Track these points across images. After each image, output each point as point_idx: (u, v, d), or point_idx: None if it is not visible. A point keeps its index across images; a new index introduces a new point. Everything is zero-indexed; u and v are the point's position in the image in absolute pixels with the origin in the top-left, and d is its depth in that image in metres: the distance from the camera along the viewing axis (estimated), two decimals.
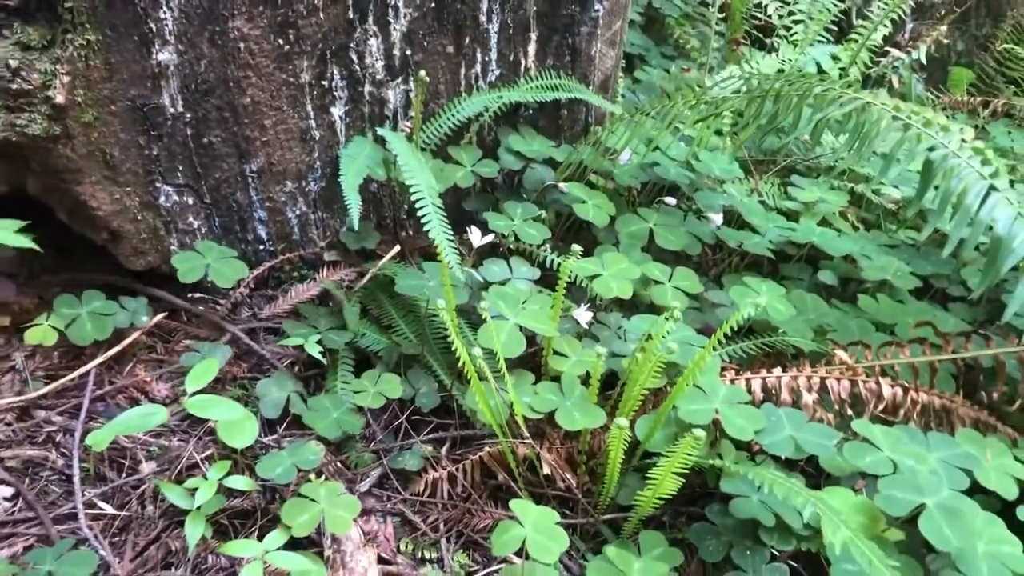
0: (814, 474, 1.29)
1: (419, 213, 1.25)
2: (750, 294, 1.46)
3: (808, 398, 1.31)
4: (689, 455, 1.03)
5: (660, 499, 1.11)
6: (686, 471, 1.05)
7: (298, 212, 1.57)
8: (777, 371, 1.35)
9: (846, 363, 1.35)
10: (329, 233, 1.64)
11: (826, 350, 1.44)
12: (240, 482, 1.20)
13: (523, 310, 1.33)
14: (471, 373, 1.18)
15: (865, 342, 1.45)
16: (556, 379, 1.31)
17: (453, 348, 1.35)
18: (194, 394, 1.17)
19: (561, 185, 1.65)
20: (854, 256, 1.80)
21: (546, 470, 1.31)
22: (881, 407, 1.33)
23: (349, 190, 1.36)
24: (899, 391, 1.34)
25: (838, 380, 1.33)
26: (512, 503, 1.10)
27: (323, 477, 1.27)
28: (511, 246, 1.59)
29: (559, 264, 1.53)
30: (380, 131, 1.45)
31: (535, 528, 1.07)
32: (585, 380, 1.30)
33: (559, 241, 1.67)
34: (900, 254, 1.88)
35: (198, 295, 1.53)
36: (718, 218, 1.77)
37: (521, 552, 1.08)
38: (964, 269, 1.86)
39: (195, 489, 1.17)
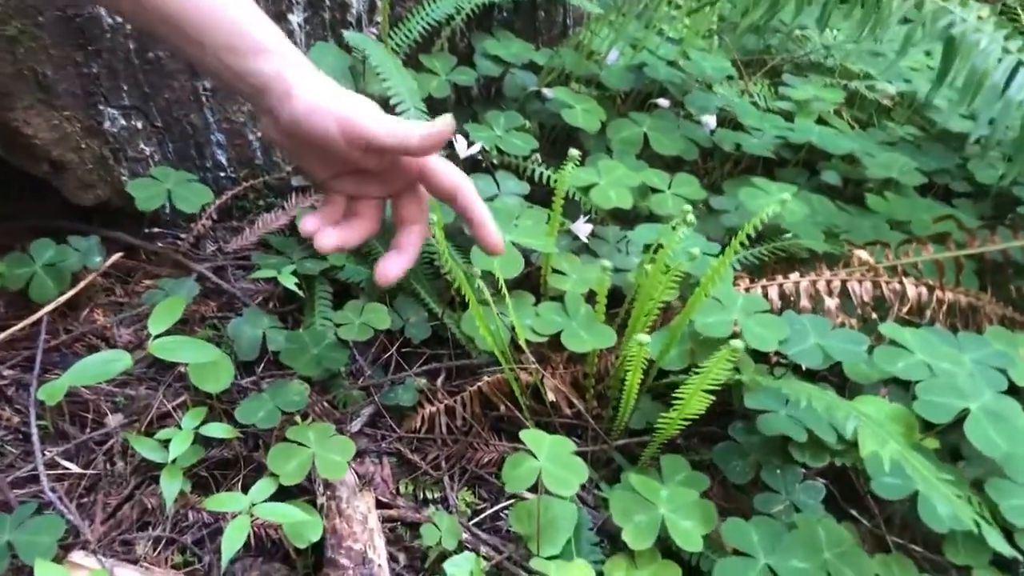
0: (836, 384, 1.20)
1: (398, 112, 1.12)
2: (760, 195, 1.36)
3: (830, 303, 1.21)
4: (723, 370, 0.92)
5: (685, 421, 1.01)
6: (717, 387, 0.95)
7: (260, 133, 1.43)
8: (794, 276, 1.25)
9: (867, 263, 1.25)
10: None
11: (842, 251, 1.34)
12: (219, 430, 1.08)
13: (516, 227, 1.21)
14: (469, 296, 1.07)
15: (883, 241, 1.35)
16: (557, 299, 1.20)
17: (444, 272, 1.24)
18: (159, 336, 1.04)
19: (545, 91, 1.52)
20: (856, 155, 1.70)
21: (551, 396, 1.21)
22: (906, 309, 1.24)
23: None
24: (923, 290, 1.25)
25: (859, 282, 1.24)
26: (523, 434, 1.00)
27: (310, 419, 1.16)
28: (494, 160, 1.46)
29: (549, 176, 1.41)
30: (347, 35, 1.30)
31: (550, 459, 0.97)
32: (589, 299, 1.19)
33: (544, 155, 1.55)
34: (901, 151, 1.78)
35: (156, 230, 1.39)
36: (711, 121, 1.65)
37: (535, 487, 0.98)
38: (971, 163, 1.77)
39: (168, 440, 1.06)
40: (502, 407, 1.23)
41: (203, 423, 1.09)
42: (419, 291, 1.31)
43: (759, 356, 1.18)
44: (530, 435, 1.00)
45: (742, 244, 1.02)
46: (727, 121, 1.73)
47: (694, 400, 0.96)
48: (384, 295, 1.30)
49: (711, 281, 1.05)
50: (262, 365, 1.24)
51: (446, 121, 0.79)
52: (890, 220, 1.46)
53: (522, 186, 1.38)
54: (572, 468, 0.97)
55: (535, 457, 0.98)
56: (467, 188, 0.87)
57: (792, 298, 1.23)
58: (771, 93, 1.98)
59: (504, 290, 1.08)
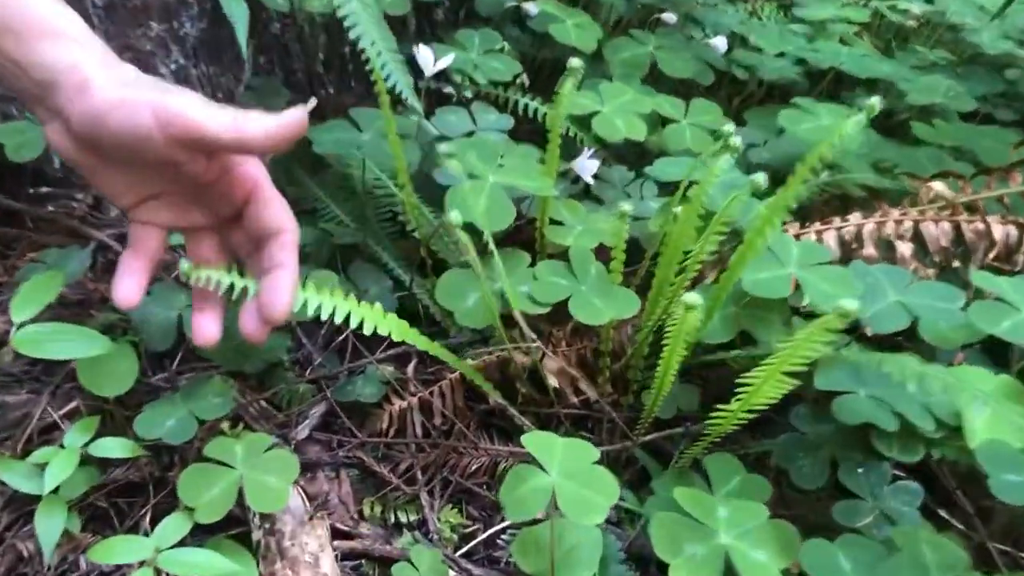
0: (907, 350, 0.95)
1: (350, 31, 0.83)
2: (806, 119, 1.09)
3: (903, 248, 0.95)
4: (818, 344, 0.66)
5: (749, 412, 0.75)
6: (803, 367, 0.69)
7: (173, 66, 1.14)
8: (854, 218, 0.99)
9: (943, 198, 1.00)
10: (220, 94, 1.21)
11: (903, 187, 1.08)
12: (115, 447, 0.81)
13: (501, 167, 0.94)
14: (470, 251, 0.79)
15: (954, 173, 1.10)
16: (558, 257, 0.93)
17: (411, 228, 0.97)
18: (24, 325, 0.77)
19: (527, 5, 1.24)
20: (892, 79, 1.44)
21: (554, 382, 0.95)
22: (992, 254, 0.98)
23: (241, 29, 0.94)
24: (1012, 230, 0.99)
25: (935, 223, 0.98)
26: (527, 439, 0.73)
27: (241, 426, 0.89)
28: (466, 92, 1.18)
29: (536, 109, 1.13)
30: None
31: (566, 472, 0.71)
32: (600, 256, 0.92)
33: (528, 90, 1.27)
34: (939, 75, 1.53)
35: (44, 190, 1.10)
36: (721, 43, 1.38)
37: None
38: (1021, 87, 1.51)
39: (46, 464, 0.78)
40: (491, 399, 0.97)
41: (94, 438, 0.81)
42: (379, 254, 1.04)
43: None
44: (536, 440, 0.73)
45: (776, 182, 0.77)
46: (737, 43, 1.46)
47: (769, 385, 0.70)
48: (335, 260, 1.03)
49: (768, 225, 0.79)
50: (179, 357, 0.96)
51: (297, 113, 0.64)
52: (952, 149, 1.20)
53: (504, 120, 1.11)
54: (597, 483, 0.70)
55: (544, 470, 0.71)
56: (293, 237, 0.72)
57: (853, 245, 0.97)
58: (781, 16, 1.71)
59: (492, 247, 0.81)
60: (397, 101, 0.87)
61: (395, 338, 0.76)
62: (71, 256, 0.97)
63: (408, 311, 1.03)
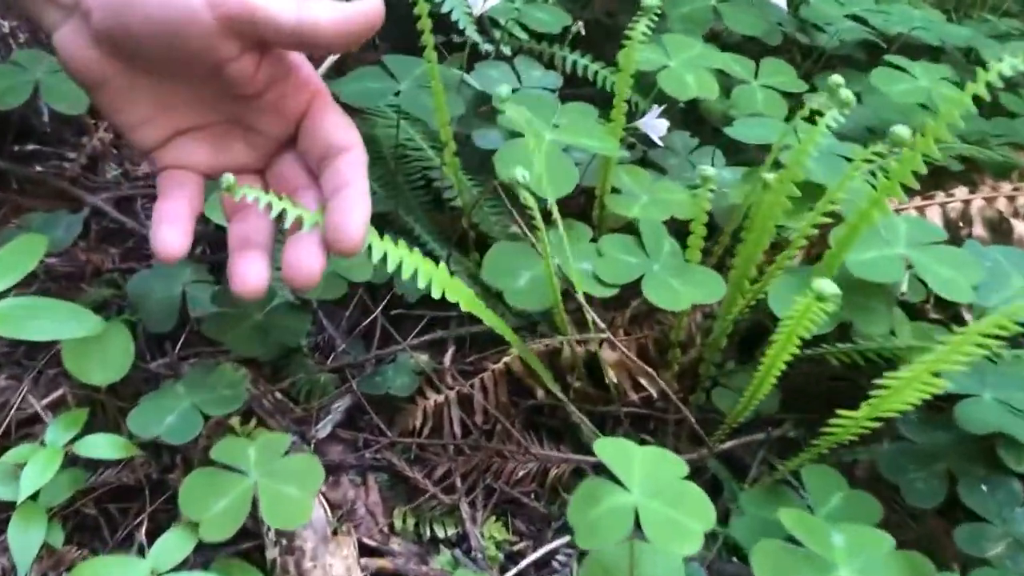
0: None
1: None
2: (903, 80, 0.96)
3: (1022, 229, 0.82)
4: (988, 336, 0.53)
5: (875, 420, 0.62)
6: (961, 365, 0.56)
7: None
8: (960, 192, 0.86)
9: None
10: None
11: (1006, 159, 0.95)
12: (106, 445, 0.68)
13: (557, 126, 0.81)
14: (535, 216, 0.66)
15: None
16: (620, 231, 0.81)
17: (450, 199, 0.84)
18: (1, 298, 0.64)
19: None
20: (973, 46, 1.30)
21: (611, 375, 0.82)
22: None
23: None
24: None
25: None
26: (600, 446, 0.61)
27: (253, 422, 0.76)
28: (504, 46, 1.05)
29: (587, 66, 1.00)
30: None
31: (650, 488, 0.58)
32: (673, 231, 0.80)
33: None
34: (1017, 43, 1.39)
35: (31, 147, 0.98)
36: (782, 2, 1.24)
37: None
38: None
39: (23, 464, 0.66)
40: (539, 392, 0.84)
41: (82, 434, 0.69)
42: (412, 225, 0.91)
43: (905, 308, 0.80)
44: (611, 448, 0.60)
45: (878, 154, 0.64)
46: (794, 6, 1.32)
47: (911, 389, 0.57)
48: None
49: (885, 196, 0.66)
50: (182, 339, 0.83)
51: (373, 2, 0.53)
52: None
53: (551, 77, 0.97)
54: (689, 504, 0.57)
55: (623, 486, 0.58)
56: (361, 156, 0.59)
57: (961, 224, 0.84)
58: None
59: (556, 216, 0.67)
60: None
61: (464, 308, 0.63)
62: (59, 221, 0.85)
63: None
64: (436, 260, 0.88)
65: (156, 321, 0.81)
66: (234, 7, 0.50)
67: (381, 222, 0.91)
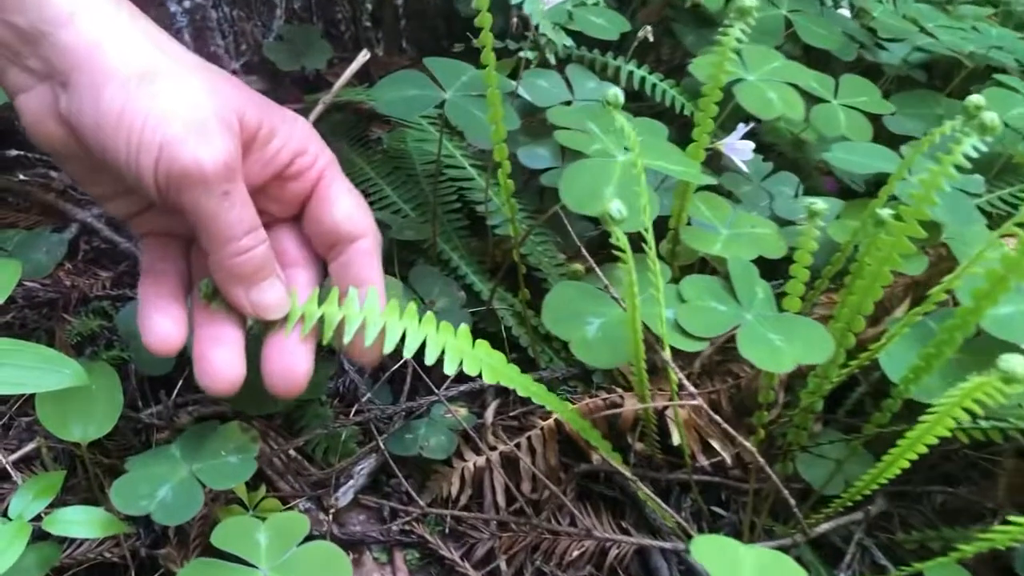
0: None
1: None
2: (1017, 103, 0.84)
3: None
4: None
5: None
6: None
7: (187, 3, 0.89)
8: None
9: None
10: (246, 47, 0.96)
11: None
12: (83, 521, 0.56)
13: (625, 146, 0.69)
14: (626, 256, 0.54)
15: None
16: (700, 270, 0.69)
17: (495, 225, 0.73)
18: None
19: None
20: None
21: (678, 437, 0.70)
22: None
23: None
24: None
25: None
26: (699, 546, 0.48)
27: (263, 488, 0.64)
28: (551, 52, 0.93)
29: (644, 78, 0.89)
30: None
31: None
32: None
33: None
34: None
35: (15, 153, 0.86)
36: (847, 15, 1.13)
37: None
38: None
39: None
40: (595, 455, 0.72)
41: (57, 502, 0.57)
42: (448, 255, 0.79)
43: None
44: (712, 549, 0.48)
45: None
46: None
47: None
48: (391, 259, 0.78)
49: None
50: (179, 384, 0.71)
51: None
52: None
53: (609, 88, 0.85)
54: None
55: None
56: (372, 244, 0.57)
57: None
58: None
59: (653, 256, 0.55)
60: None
61: (489, 379, 0.52)
62: (39, 241, 0.73)
63: (484, 332, 0.78)
64: (477, 296, 0.78)
65: (150, 361, 0.69)
66: (181, 204, 0.48)
67: (414, 251, 0.79)
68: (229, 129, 0.49)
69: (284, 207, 0.56)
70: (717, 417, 0.63)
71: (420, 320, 0.53)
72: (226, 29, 0.94)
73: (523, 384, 0.56)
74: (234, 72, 0.95)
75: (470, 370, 0.53)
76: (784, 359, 0.59)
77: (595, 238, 0.86)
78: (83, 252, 0.81)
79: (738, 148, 0.71)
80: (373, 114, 0.94)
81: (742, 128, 0.72)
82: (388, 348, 0.52)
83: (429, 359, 0.52)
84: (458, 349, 0.53)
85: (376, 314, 0.53)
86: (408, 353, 0.52)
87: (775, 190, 0.84)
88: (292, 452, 0.68)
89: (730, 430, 0.63)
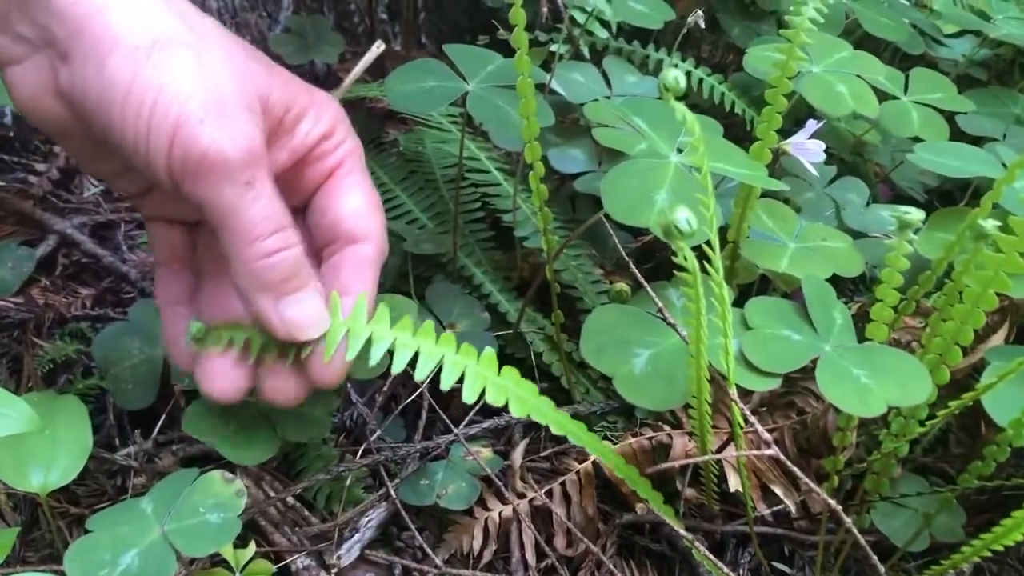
0: None
1: None
2: None
3: None
4: None
5: None
6: None
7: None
8: None
9: None
10: (250, 39, 0.88)
11: None
12: None
13: (680, 148, 0.59)
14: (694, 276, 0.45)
15: None
16: (760, 291, 0.59)
17: (523, 236, 0.64)
18: None
19: None
20: None
21: (734, 482, 0.60)
22: None
23: None
24: None
25: None
26: None
27: (252, 546, 0.54)
28: (583, 48, 0.84)
29: (689, 71, 0.80)
30: None
31: None
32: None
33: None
34: None
35: None
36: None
37: None
38: None
39: None
40: (639, 504, 0.62)
41: (8, 563, 0.48)
42: (471, 270, 0.70)
43: None
44: None
45: None
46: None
47: None
48: (406, 276, 0.68)
49: None
50: (162, 420, 0.62)
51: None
52: None
53: (650, 84, 0.76)
54: None
55: None
56: (375, 252, 0.48)
57: None
58: None
59: (719, 273, 0.45)
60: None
61: (517, 414, 0.43)
62: (5, 255, 0.64)
63: (510, 359, 0.69)
64: (503, 317, 0.68)
65: (129, 393, 0.60)
66: (194, 194, 0.41)
67: (432, 267, 0.70)
68: (252, 111, 0.42)
69: (294, 195, 0.48)
70: (788, 463, 0.53)
71: (437, 339, 0.44)
72: (227, 20, 0.85)
73: (557, 421, 0.46)
74: None
75: (494, 400, 0.44)
76: (873, 400, 0.49)
77: (634, 252, 0.77)
78: (61, 267, 0.73)
79: (807, 148, 0.61)
80: (388, 113, 0.86)
81: (811, 125, 0.62)
82: (396, 368, 0.43)
83: (445, 384, 0.43)
84: (480, 375, 0.44)
85: (361, 325, 0.44)
86: (420, 375, 0.43)
87: (841, 198, 0.74)
88: (290, 500, 0.59)
89: (802, 476, 0.53)
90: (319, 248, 0.49)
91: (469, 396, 0.44)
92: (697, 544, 0.57)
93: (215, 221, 0.42)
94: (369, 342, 0.44)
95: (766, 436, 0.47)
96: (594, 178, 0.72)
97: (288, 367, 0.46)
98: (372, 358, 0.44)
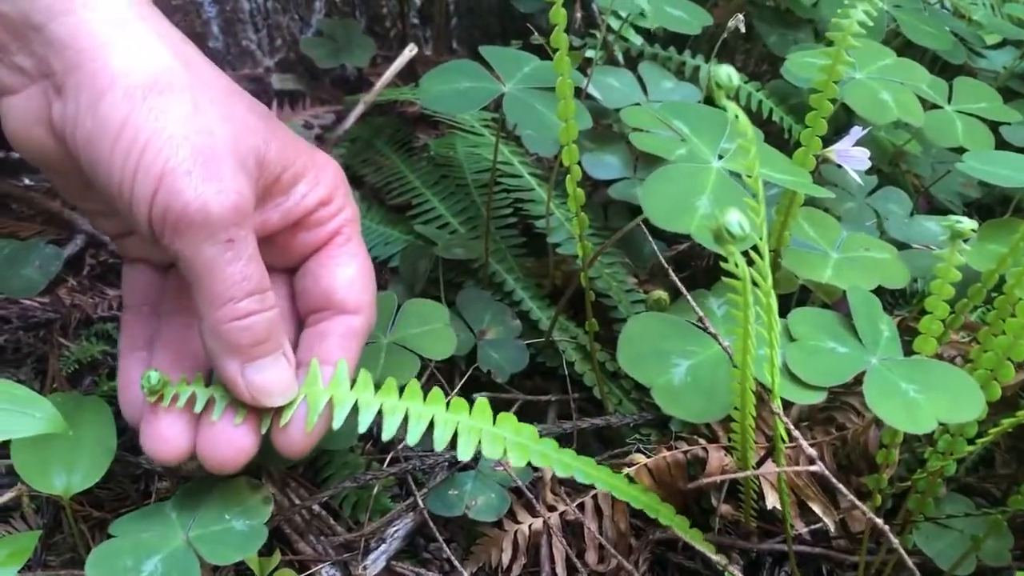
0: None
1: None
2: None
3: None
4: None
5: None
6: None
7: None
8: None
9: None
10: (281, 42, 0.87)
11: None
12: None
13: (722, 153, 0.58)
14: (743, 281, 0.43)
15: None
16: (799, 302, 0.57)
17: (557, 243, 0.63)
18: None
19: None
20: None
21: (772, 499, 0.58)
22: None
23: None
24: None
25: None
26: None
27: (276, 555, 0.53)
28: (617, 53, 0.83)
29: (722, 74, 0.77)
30: None
31: None
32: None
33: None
34: None
35: (14, 155, 0.77)
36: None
37: None
38: None
39: None
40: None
41: (31, 568, 0.47)
42: (502, 276, 0.68)
43: None
44: None
45: None
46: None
47: None
48: (436, 281, 0.67)
49: None
50: None
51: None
52: None
53: (687, 90, 0.75)
54: None
55: None
56: (364, 326, 0.48)
57: None
58: None
59: (766, 273, 0.43)
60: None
61: (562, 473, 0.42)
62: (31, 254, 0.63)
63: (542, 368, 0.67)
64: (535, 325, 0.67)
65: None
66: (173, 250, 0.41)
67: (462, 272, 0.69)
68: (245, 166, 0.41)
69: (285, 257, 0.48)
70: (832, 479, 0.51)
71: (425, 397, 0.44)
72: (259, 22, 0.85)
73: (562, 463, 0.47)
74: (267, 70, 0.85)
75: (491, 454, 0.45)
76: (922, 416, 0.47)
77: (669, 260, 0.75)
78: (88, 267, 0.72)
79: (852, 156, 0.59)
80: (419, 117, 0.85)
81: (856, 132, 0.60)
82: (386, 435, 0.44)
83: (439, 445, 0.44)
84: (474, 429, 0.44)
85: (345, 392, 0.45)
86: (412, 440, 0.44)
87: (883, 208, 0.72)
88: (315, 509, 0.57)
89: (847, 493, 0.51)
90: (305, 313, 0.48)
91: (464, 453, 0.44)
92: (732, 569, 0.55)
93: (190, 276, 0.41)
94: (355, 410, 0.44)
95: (810, 451, 0.45)
96: (629, 185, 0.71)
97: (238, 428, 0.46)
98: (361, 424, 0.44)
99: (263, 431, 0.45)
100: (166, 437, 0.44)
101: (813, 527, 0.62)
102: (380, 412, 0.44)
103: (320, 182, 0.46)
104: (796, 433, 0.48)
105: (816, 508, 0.62)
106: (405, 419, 0.45)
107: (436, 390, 0.45)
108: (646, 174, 0.71)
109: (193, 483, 0.50)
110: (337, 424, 0.44)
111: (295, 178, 0.45)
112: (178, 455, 0.45)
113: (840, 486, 0.50)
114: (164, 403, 0.45)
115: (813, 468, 0.45)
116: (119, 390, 0.49)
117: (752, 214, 0.38)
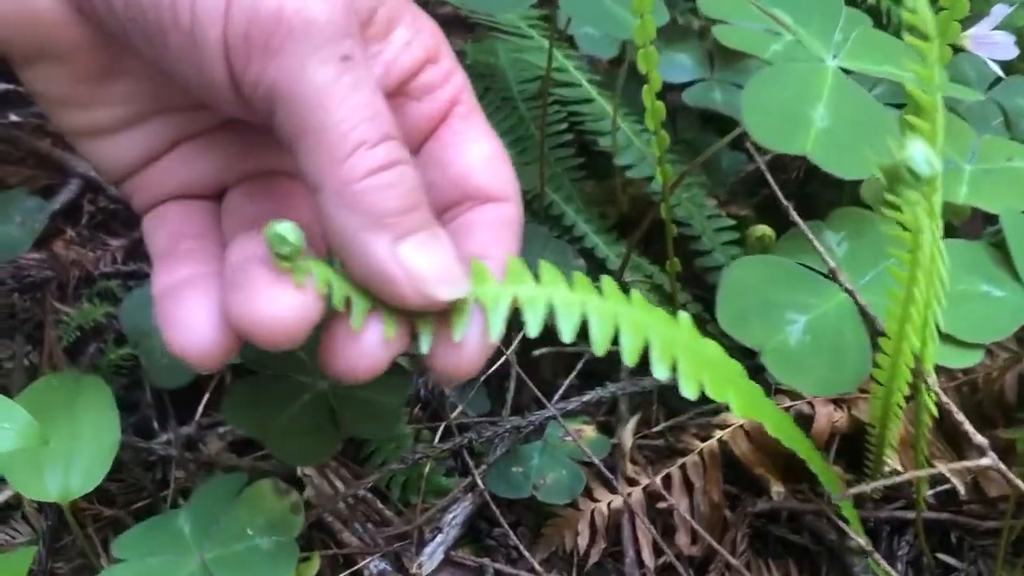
0: None
1: None
2: None
3: None
4: None
5: None
6: None
7: None
8: None
9: None
10: None
11: None
12: None
13: (843, 45, 0.46)
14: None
15: None
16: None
17: (626, 165, 0.52)
18: None
19: None
20: None
21: (894, 459, 0.49)
22: None
23: None
24: None
25: None
26: None
27: (315, 554, 0.45)
28: None
29: None
30: None
31: None
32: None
33: None
34: None
35: (1, 88, 0.68)
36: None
37: None
38: None
39: None
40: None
41: None
42: (561, 208, 0.58)
43: None
44: None
45: None
46: None
47: None
48: None
49: None
50: (207, 397, 0.53)
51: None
52: None
53: None
54: None
55: None
56: (512, 214, 0.34)
57: None
58: None
59: (935, 206, 0.32)
60: None
61: (741, 413, 0.32)
62: (12, 206, 0.54)
63: None
64: (601, 264, 0.57)
65: (165, 369, 0.50)
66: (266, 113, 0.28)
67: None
68: None
69: None
70: (975, 435, 0.42)
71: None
72: None
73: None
74: None
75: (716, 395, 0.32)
76: None
77: (749, 177, 0.64)
78: (87, 215, 0.63)
79: (996, 41, 0.47)
80: (453, 18, 0.73)
81: (999, 11, 0.48)
82: (568, 335, 0.30)
83: (598, 346, 0.30)
84: (669, 340, 0.31)
85: (564, 295, 0.32)
86: (568, 335, 0.30)
87: (1011, 104, 0.60)
88: (361, 493, 0.49)
89: (988, 450, 0.41)
90: (439, 208, 0.35)
91: (686, 391, 0.31)
92: (859, 541, 0.46)
93: (291, 126, 0.28)
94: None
95: (980, 440, 0.35)
96: (706, 88, 0.60)
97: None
98: (565, 331, 0.30)
99: (425, 347, 0.31)
100: (190, 322, 0.32)
101: (938, 490, 0.53)
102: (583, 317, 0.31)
103: (422, 29, 0.34)
104: (935, 387, 0.38)
105: (941, 468, 0.53)
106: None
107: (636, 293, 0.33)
108: (726, 76, 0.60)
109: (210, 485, 0.42)
110: (533, 332, 0.31)
111: (391, 22, 0.33)
112: (205, 351, 0.32)
113: (982, 439, 0.40)
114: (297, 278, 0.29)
115: (984, 462, 0.35)
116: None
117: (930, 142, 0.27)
